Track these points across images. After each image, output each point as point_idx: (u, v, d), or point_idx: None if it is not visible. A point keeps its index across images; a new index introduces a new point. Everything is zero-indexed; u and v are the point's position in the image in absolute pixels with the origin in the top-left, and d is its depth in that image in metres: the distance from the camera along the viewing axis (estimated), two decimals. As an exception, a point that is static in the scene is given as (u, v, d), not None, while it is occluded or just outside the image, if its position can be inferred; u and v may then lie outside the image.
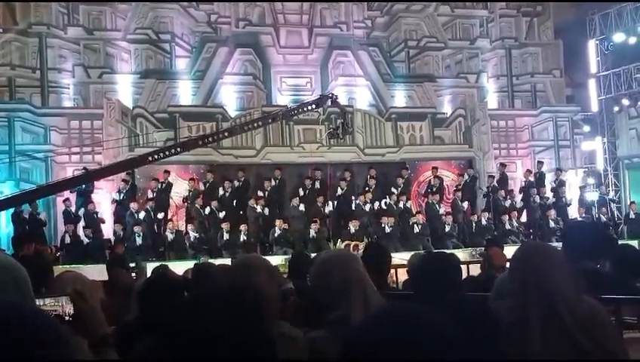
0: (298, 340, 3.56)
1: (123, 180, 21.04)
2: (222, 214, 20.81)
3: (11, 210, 19.25)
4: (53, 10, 24.91)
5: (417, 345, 1.86)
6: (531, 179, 24.15)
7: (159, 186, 21.30)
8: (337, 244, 19.60)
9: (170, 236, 19.98)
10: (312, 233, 20.33)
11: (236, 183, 22.00)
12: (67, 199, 20.74)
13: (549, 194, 23.67)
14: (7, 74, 23.97)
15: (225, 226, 20.15)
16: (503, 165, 24.76)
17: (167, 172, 21.54)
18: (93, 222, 20.49)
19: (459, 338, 1.92)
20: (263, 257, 4.31)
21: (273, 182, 22.09)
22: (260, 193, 21.74)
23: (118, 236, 19.69)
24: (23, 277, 2.88)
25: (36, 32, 24.47)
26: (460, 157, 25.09)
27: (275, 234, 20.25)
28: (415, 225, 21.09)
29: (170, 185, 21.75)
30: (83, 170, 20.66)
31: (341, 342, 2.00)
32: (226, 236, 19.96)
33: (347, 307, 3.37)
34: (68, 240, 19.76)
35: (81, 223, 20.38)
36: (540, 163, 25.38)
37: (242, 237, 20.01)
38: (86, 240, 19.75)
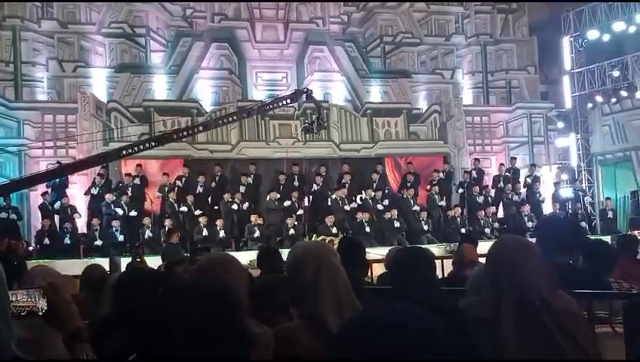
0: (266, 335, 3.59)
1: (99, 174, 20.95)
2: (198, 210, 20.76)
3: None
4: (27, 3, 24.71)
5: (408, 346, 1.86)
6: (505, 174, 24.31)
7: (134, 181, 21.23)
8: (312, 239, 19.54)
9: (146, 231, 19.89)
10: (288, 228, 20.32)
11: (212, 178, 21.97)
12: (45, 193, 20.63)
13: (522, 190, 23.81)
14: (-20, 67, 23.82)
15: (202, 221, 20.07)
16: (476, 160, 24.87)
17: (140, 165, 21.49)
18: (69, 216, 20.37)
19: (446, 338, 1.93)
20: (232, 255, 4.32)
21: (249, 178, 22.06)
22: (239, 188, 21.69)
23: (171, 227, 19.47)
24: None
25: (10, 25, 24.27)
26: (435, 153, 25.18)
27: (251, 230, 20.21)
28: (394, 221, 21.12)
29: (144, 179, 21.68)
30: (57, 164, 20.51)
31: (315, 334, 2.02)
32: (204, 231, 19.86)
33: (318, 301, 3.38)
34: (44, 234, 19.66)
35: (58, 218, 20.27)
36: (513, 159, 25.53)
37: (220, 233, 19.95)
38: (62, 235, 19.66)
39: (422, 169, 24.38)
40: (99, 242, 19.48)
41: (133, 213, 20.51)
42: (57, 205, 20.56)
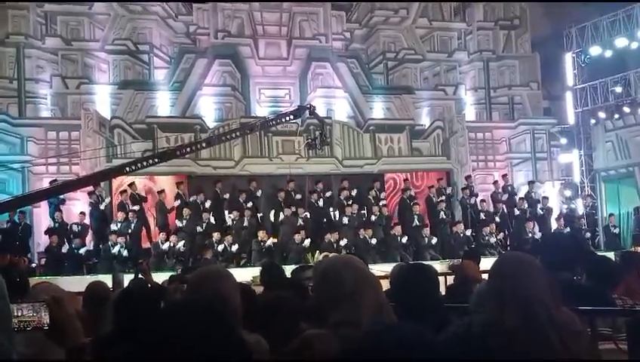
0: (260, 343, 3.62)
1: (101, 190, 21.02)
2: (201, 226, 20.85)
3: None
4: (31, 20, 24.82)
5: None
6: (507, 190, 24.38)
7: (133, 198, 21.31)
8: (315, 256, 19.56)
9: (162, 246, 19.95)
10: (296, 243, 20.39)
11: (213, 195, 22.07)
12: (51, 209, 20.69)
13: (524, 205, 23.81)
14: (-16, 84, 23.88)
15: (215, 236, 20.16)
16: (468, 177, 24.78)
17: (132, 183, 21.62)
18: (73, 232, 20.42)
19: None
20: (224, 268, 4.36)
21: (250, 194, 22.11)
22: (243, 204, 21.74)
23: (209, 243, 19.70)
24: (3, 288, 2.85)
25: (14, 41, 24.36)
26: (437, 169, 25.18)
27: (257, 246, 20.25)
28: (399, 237, 21.15)
29: (143, 197, 21.78)
30: (54, 182, 20.57)
31: (345, 342, 2.03)
32: (218, 247, 19.94)
33: (358, 310, 3.42)
34: (47, 251, 19.75)
35: (62, 234, 20.30)
36: (505, 176, 25.61)
37: (232, 248, 20.05)
38: (65, 251, 19.73)
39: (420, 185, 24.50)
40: (102, 258, 19.54)
41: (136, 229, 20.56)
42: (59, 223, 20.58)
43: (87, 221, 21.10)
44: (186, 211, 21.21)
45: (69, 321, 3.76)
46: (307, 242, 20.58)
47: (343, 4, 28.25)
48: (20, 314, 3.67)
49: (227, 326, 2.62)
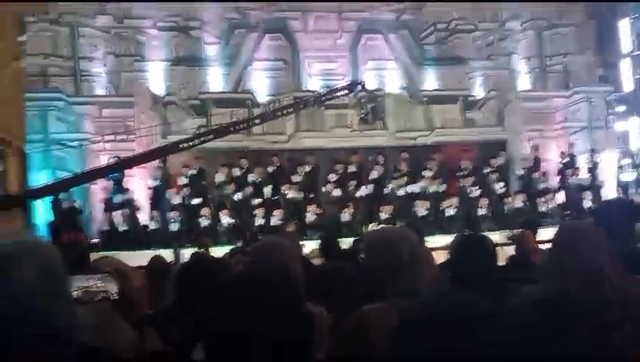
0: (323, 316, 3.64)
1: (157, 167, 21.19)
2: (256, 200, 20.92)
3: (49, 199, 19.45)
4: (82, -1, 25.04)
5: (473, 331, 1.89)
6: (566, 160, 24.01)
7: (192, 173, 21.43)
8: (369, 227, 19.55)
9: (205, 222, 20.07)
10: (346, 217, 20.38)
11: (269, 169, 22.07)
12: (107, 187, 20.96)
13: (586, 175, 23.48)
14: (41, 63, 24.12)
15: (260, 212, 20.23)
16: (535, 147, 24.51)
17: (198, 158, 21.65)
18: (131, 209, 20.69)
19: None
20: (285, 240, 4.38)
21: (307, 168, 22.10)
22: (295, 178, 21.74)
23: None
24: (55, 258, 2.87)
25: (67, 21, 24.62)
26: (492, 140, 24.91)
27: (309, 219, 20.32)
28: (449, 209, 21.03)
29: (203, 171, 21.87)
30: (115, 158, 20.80)
31: (404, 312, 2.04)
32: (260, 221, 20.04)
33: (413, 281, 3.45)
34: (106, 227, 20.03)
35: (119, 211, 20.56)
36: (572, 145, 25.17)
37: (276, 222, 20.08)
38: (124, 227, 19.99)
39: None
40: (160, 233, 19.78)
41: (194, 202, 20.71)
42: (118, 198, 20.85)
43: (144, 197, 21.32)
44: (234, 186, 21.22)
45: (134, 293, 3.83)
46: (362, 215, 20.57)
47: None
48: (88, 285, 3.74)
49: (291, 297, 2.63)
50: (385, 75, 26.37)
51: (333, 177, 21.96)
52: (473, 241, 4.51)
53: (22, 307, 2.13)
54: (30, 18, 23.35)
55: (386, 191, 21.80)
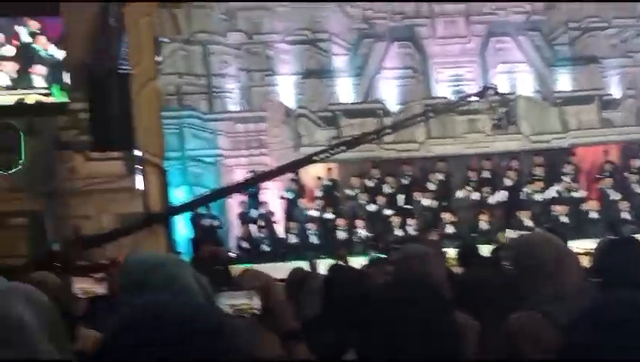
0: (471, 326, 3.59)
1: (291, 180, 21.49)
2: (390, 210, 20.93)
3: (189, 215, 20.05)
4: (213, 17, 25.61)
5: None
6: None
7: (325, 184, 21.64)
8: (506, 234, 19.29)
9: (340, 233, 20.22)
10: (483, 225, 20.13)
11: (402, 178, 22.06)
12: (243, 201, 21.38)
13: None
14: (175, 82, 24.76)
15: (395, 221, 20.21)
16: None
17: (330, 169, 21.81)
18: (267, 221, 21.06)
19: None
20: (429, 248, 4.33)
21: (439, 175, 21.98)
22: (427, 186, 21.65)
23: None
24: (179, 273, 2.91)
25: (199, 40, 25.23)
26: (632, 140, 24.06)
27: (444, 227, 20.18)
28: (589, 213, 20.48)
29: (335, 183, 22.04)
30: (251, 173, 21.23)
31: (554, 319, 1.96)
32: (397, 231, 20.04)
33: (561, 287, 3.36)
34: (243, 240, 20.45)
35: (256, 223, 20.97)
36: None
37: (411, 232, 20.04)
38: (260, 240, 20.36)
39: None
40: (296, 245, 20.04)
41: (328, 213, 20.88)
42: (254, 212, 21.26)
43: (279, 209, 21.63)
44: (367, 195, 21.28)
45: (280, 307, 3.85)
46: (499, 221, 20.30)
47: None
48: (235, 303, 3.77)
49: (438, 307, 2.59)
50: (516, 78, 25.87)
51: (466, 184, 21.78)
52: (621, 244, 4.36)
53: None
54: (164, 39, 24.05)
55: (521, 196, 21.44)
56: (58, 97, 20.00)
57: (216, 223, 20.76)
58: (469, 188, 21.63)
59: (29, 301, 2.30)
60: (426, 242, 17.74)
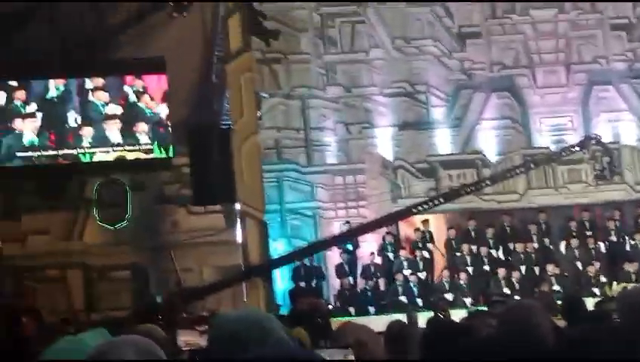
0: None
1: (388, 232, 21.50)
2: (490, 262, 20.74)
3: (288, 267, 20.29)
4: (312, 72, 25.98)
5: None
6: None
7: (424, 235, 21.58)
8: (613, 287, 18.95)
9: (439, 285, 20.13)
10: (591, 275, 19.73)
11: (500, 229, 21.85)
12: (342, 253, 21.49)
13: None
14: (274, 136, 25.16)
15: (501, 272, 19.99)
16: None
17: (426, 221, 21.73)
18: (365, 274, 21.09)
19: None
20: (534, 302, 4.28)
21: (538, 226, 21.69)
22: (531, 237, 21.40)
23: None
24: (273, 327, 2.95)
25: (298, 94, 25.59)
26: None
27: (550, 280, 19.85)
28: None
29: (431, 234, 21.97)
30: (346, 225, 21.36)
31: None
32: (498, 284, 19.82)
33: None
34: (342, 293, 20.54)
35: (355, 276, 21.03)
36: None
37: (515, 284, 19.81)
38: (360, 292, 20.42)
39: None
40: (395, 298, 19.98)
41: (427, 268, 20.86)
42: (352, 264, 21.30)
43: (378, 261, 21.62)
44: (474, 247, 21.19)
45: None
46: (603, 273, 19.86)
47: (623, 24, 26.94)
48: (332, 360, 3.81)
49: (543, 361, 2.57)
50: (619, 127, 25.35)
51: (569, 235, 21.41)
52: None
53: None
54: (265, 94, 24.50)
55: (627, 247, 20.96)
56: (160, 153, 20.56)
57: (315, 275, 20.88)
58: (572, 239, 21.24)
59: (139, 351, 2.41)
60: (540, 294, 17.53)
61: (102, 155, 20.24)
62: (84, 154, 20.19)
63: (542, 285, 19.27)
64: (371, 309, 19.89)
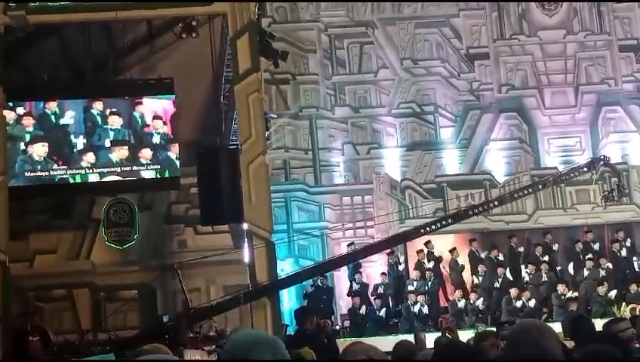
0: None
1: (392, 252, 21.53)
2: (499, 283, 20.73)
3: (295, 287, 20.33)
4: (321, 92, 26.04)
5: None
6: None
7: (431, 256, 21.58)
8: (622, 308, 18.92)
9: (458, 304, 20.19)
10: (600, 295, 19.72)
11: (507, 250, 21.88)
12: (350, 273, 21.48)
13: None
14: (282, 156, 25.21)
15: (513, 292, 19.96)
16: None
17: (429, 242, 21.72)
18: (373, 294, 21.11)
19: None
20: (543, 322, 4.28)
21: (547, 247, 21.69)
22: (539, 257, 21.38)
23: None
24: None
25: (306, 114, 25.66)
26: None
27: (557, 300, 19.79)
28: None
29: (438, 257, 21.97)
30: (352, 246, 21.39)
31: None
32: (516, 303, 19.80)
33: None
34: (349, 313, 20.56)
35: (362, 296, 21.02)
36: None
37: (530, 304, 19.76)
38: (367, 312, 20.42)
39: None
40: (402, 318, 19.99)
41: (434, 288, 20.85)
42: (359, 284, 21.28)
43: (386, 281, 21.59)
44: (481, 268, 21.21)
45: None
46: (612, 293, 19.80)
47: (631, 45, 26.93)
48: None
49: None
50: (628, 148, 25.31)
51: (576, 255, 21.39)
52: None
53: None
54: (273, 114, 24.59)
55: (636, 267, 20.97)
56: (167, 174, 20.66)
57: (321, 295, 20.86)
58: (581, 259, 21.20)
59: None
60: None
61: (110, 176, 20.31)
62: (91, 174, 20.27)
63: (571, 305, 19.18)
64: (379, 329, 19.79)
